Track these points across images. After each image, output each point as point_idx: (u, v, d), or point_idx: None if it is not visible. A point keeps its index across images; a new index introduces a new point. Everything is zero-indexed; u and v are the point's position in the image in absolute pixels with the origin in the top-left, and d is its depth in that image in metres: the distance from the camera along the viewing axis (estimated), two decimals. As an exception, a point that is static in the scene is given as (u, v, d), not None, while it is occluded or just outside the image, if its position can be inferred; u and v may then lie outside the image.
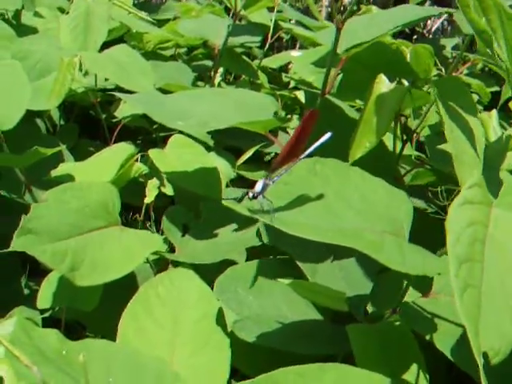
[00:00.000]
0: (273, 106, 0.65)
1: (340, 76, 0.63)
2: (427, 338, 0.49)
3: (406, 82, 0.58)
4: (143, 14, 0.93)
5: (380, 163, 0.64)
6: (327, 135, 0.49)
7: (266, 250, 0.64)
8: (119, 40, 1.04)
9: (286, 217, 0.43)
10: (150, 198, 0.63)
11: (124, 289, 0.56)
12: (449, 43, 1.40)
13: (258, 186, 0.47)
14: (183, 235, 0.68)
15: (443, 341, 0.48)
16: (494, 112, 0.91)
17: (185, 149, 0.74)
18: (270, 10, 1.24)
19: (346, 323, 0.52)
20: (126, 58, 0.78)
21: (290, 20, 1.39)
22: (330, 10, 1.84)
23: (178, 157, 0.72)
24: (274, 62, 1.22)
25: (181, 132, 0.76)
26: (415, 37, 1.81)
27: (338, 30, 0.53)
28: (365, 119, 0.55)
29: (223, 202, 0.45)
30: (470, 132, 0.49)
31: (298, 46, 1.50)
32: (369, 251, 0.40)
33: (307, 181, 0.48)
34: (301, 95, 0.91)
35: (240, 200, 0.47)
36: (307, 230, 0.42)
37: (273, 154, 0.93)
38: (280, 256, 0.60)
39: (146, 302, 0.54)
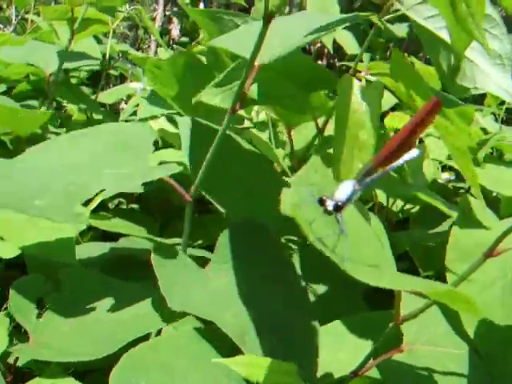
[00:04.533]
0: (150, 135, 0.51)
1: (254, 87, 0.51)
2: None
3: (372, 77, 0.48)
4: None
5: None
6: (416, 152, 0.35)
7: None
8: None
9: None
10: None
11: None
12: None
13: (344, 192, 0.31)
14: (39, 316, 0.49)
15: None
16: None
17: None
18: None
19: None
20: None
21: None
22: (158, 44, 1.74)
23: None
24: (110, 96, 1.08)
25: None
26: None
27: (266, 24, 0.39)
28: (348, 133, 0.43)
29: (283, 208, 0.29)
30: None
31: (128, 81, 1.36)
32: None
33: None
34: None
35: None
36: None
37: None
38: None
39: None
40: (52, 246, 0.51)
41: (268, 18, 0.38)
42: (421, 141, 0.83)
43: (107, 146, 0.49)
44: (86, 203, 0.68)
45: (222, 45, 0.48)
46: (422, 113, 0.33)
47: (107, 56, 0.97)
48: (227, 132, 0.55)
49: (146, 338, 0.44)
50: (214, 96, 0.50)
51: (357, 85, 0.45)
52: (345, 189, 0.32)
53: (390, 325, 0.38)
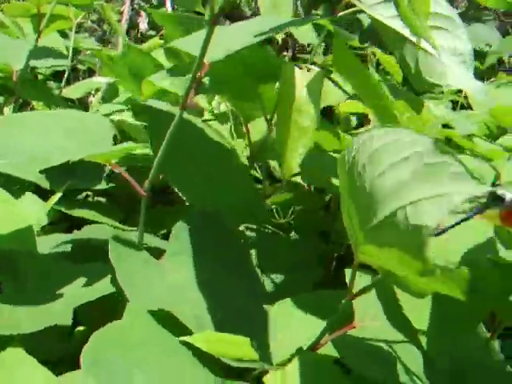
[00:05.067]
0: (110, 129, 0.53)
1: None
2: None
3: (314, 67, 0.50)
4: None
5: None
6: None
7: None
8: None
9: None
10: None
11: None
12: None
13: None
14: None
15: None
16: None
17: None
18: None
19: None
20: None
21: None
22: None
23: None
24: (76, 91, 1.09)
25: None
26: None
27: (212, 28, 0.42)
28: (290, 119, 0.46)
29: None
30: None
31: (97, 74, 1.37)
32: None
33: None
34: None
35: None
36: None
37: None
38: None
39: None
40: (12, 235, 0.52)
41: (213, 20, 0.41)
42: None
43: (68, 132, 0.50)
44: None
45: (179, 46, 0.50)
46: None
47: (70, 52, 0.97)
48: (193, 121, 0.58)
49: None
50: (162, 80, 0.52)
51: (299, 73, 0.47)
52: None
53: (343, 301, 0.41)
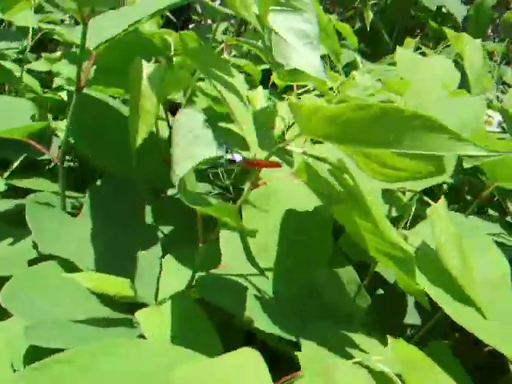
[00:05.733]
0: (30, 109, 0.62)
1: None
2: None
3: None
4: None
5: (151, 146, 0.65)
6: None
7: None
8: None
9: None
10: None
11: None
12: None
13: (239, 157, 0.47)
14: None
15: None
16: (260, 87, 0.98)
17: None
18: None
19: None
20: None
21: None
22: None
23: None
24: (43, 64, 1.17)
25: None
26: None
27: (85, 25, 0.52)
28: (138, 104, 0.54)
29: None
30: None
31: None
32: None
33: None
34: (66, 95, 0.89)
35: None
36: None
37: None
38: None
39: None
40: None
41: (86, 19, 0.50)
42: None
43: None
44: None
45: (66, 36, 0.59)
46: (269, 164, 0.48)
47: (30, 30, 1.05)
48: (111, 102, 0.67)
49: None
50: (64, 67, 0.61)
51: (145, 66, 0.55)
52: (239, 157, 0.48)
53: (200, 245, 0.50)
